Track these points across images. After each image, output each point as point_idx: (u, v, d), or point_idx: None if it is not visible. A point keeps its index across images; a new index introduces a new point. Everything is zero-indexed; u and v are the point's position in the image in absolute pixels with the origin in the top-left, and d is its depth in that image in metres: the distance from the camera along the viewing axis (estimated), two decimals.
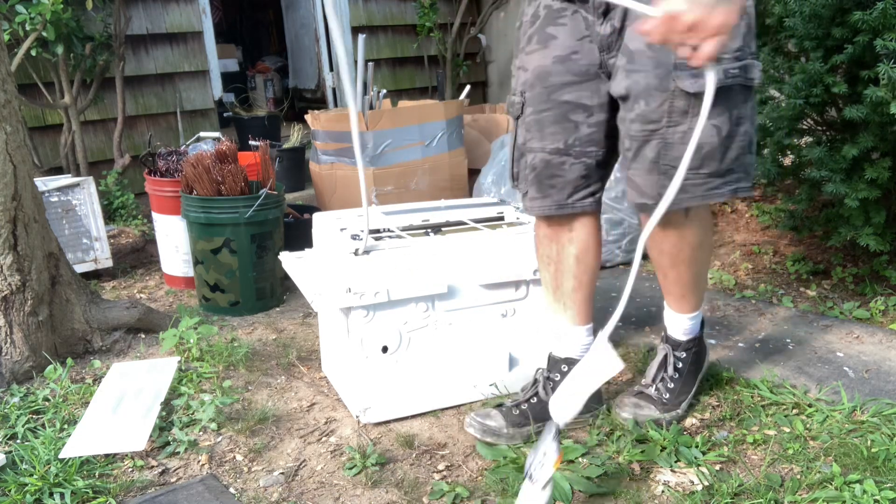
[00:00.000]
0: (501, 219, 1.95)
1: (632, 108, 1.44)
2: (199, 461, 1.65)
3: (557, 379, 1.69)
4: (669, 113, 1.40)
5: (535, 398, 1.70)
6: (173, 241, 2.71)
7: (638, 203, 1.50)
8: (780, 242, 2.91)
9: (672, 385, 1.73)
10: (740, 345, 2.11)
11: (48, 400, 1.89)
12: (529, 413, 1.67)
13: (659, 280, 1.69)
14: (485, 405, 1.78)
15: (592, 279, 1.69)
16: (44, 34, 3.01)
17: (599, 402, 1.74)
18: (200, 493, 1.52)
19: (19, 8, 2.97)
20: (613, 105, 1.53)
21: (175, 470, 1.62)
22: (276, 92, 6.02)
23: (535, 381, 1.72)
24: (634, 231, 2.79)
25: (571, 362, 1.69)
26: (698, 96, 1.33)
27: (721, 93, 1.35)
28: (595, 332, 1.73)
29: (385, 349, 1.72)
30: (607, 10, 1.46)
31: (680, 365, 1.74)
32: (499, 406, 1.71)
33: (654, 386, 1.73)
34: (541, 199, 1.62)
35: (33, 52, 3.15)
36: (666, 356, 1.75)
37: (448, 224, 1.92)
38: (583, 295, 1.68)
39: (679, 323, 1.74)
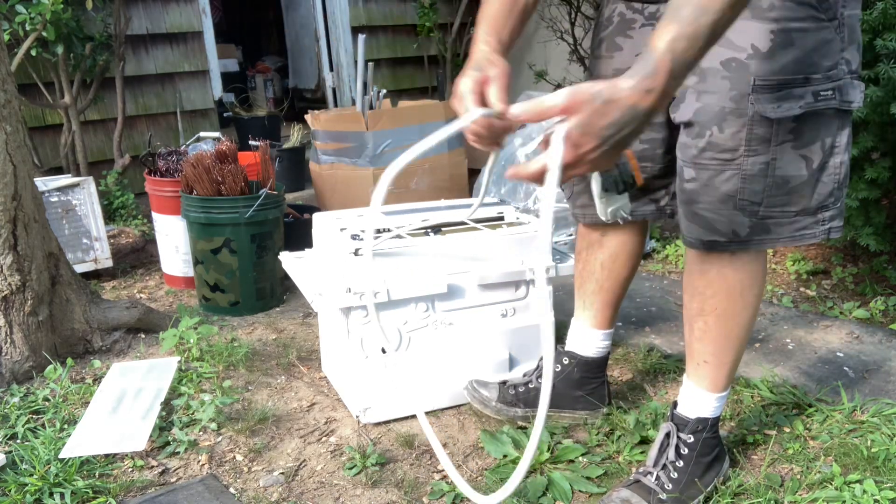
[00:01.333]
0: (501, 219, 1.95)
1: (701, 135, 1.25)
2: (199, 461, 1.65)
3: (557, 370, 1.72)
4: (748, 141, 1.22)
5: (530, 384, 1.73)
6: (173, 241, 2.71)
7: (706, 241, 1.30)
8: None
9: (676, 475, 1.41)
10: None
11: (48, 400, 1.89)
12: (521, 397, 1.71)
13: (685, 335, 1.44)
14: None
15: (616, 287, 1.64)
16: (44, 34, 3.01)
17: (603, 401, 1.75)
18: (200, 493, 1.52)
19: (19, 8, 2.97)
20: (672, 124, 1.39)
21: (175, 470, 1.62)
22: (276, 92, 6.02)
23: (537, 368, 1.75)
24: None
25: (574, 356, 1.71)
26: (781, 122, 1.20)
27: (810, 119, 1.21)
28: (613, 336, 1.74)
29: (385, 349, 1.72)
30: None
31: (685, 451, 1.43)
32: (503, 382, 1.76)
33: (655, 473, 1.42)
34: (593, 207, 1.53)
35: (33, 52, 3.15)
36: (668, 434, 1.45)
37: (448, 224, 1.92)
38: (603, 300, 1.66)
39: (690, 395, 1.45)
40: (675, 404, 1.48)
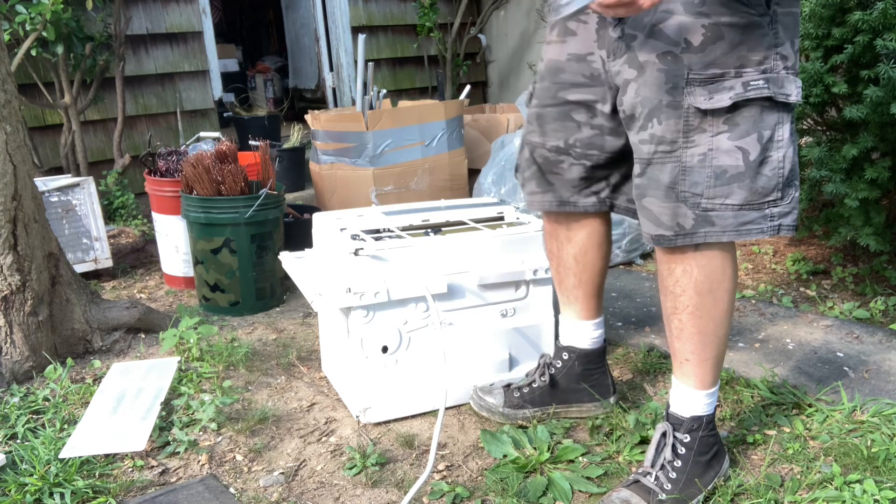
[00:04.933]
0: (501, 219, 1.95)
1: (644, 128, 1.30)
2: (199, 461, 1.65)
3: (559, 366, 1.72)
4: (685, 133, 1.25)
5: (534, 384, 1.73)
6: (173, 241, 2.71)
7: (654, 235, 1.32)
8: (780, 242, 2.91)
9: (675, 475, 1.40)
10: (740, 345, 2.11)
11: (48, 400, 1.89)
12: (527, 398, 1.72)
13: (667, 336, 1.46)
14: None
15: (594, 278, 1.66)
16: (44, 34, 3.01)
17: (608, 392, 1.74)
18: (200, 493, 1.52)
19: (19, 8, 2.97)
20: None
21: (175, 470, 1.62)
22: (276, 92, 6.02)
23: (538, 367, 1.75)
24: (634, 231, 2.79)
25: (573, 350, 1.71)
26: (715, 113, 1.23)
27: (745, 110, 1.23)
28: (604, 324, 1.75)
29: (385, 349, 1.72)
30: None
31: (682, 450, 1.42)
32: (507, 385, 1.76)
33: (654, 474, 1.41)
34: (541, 195, 1.58)
35: (33, 52, 3.15)
36: (664, 434, 1.44)
37: (448, 224, 1.92)
38: (585, 292, 1.67)
39: (680, 394, 1.45)
40: (669, 404, 1.49)
